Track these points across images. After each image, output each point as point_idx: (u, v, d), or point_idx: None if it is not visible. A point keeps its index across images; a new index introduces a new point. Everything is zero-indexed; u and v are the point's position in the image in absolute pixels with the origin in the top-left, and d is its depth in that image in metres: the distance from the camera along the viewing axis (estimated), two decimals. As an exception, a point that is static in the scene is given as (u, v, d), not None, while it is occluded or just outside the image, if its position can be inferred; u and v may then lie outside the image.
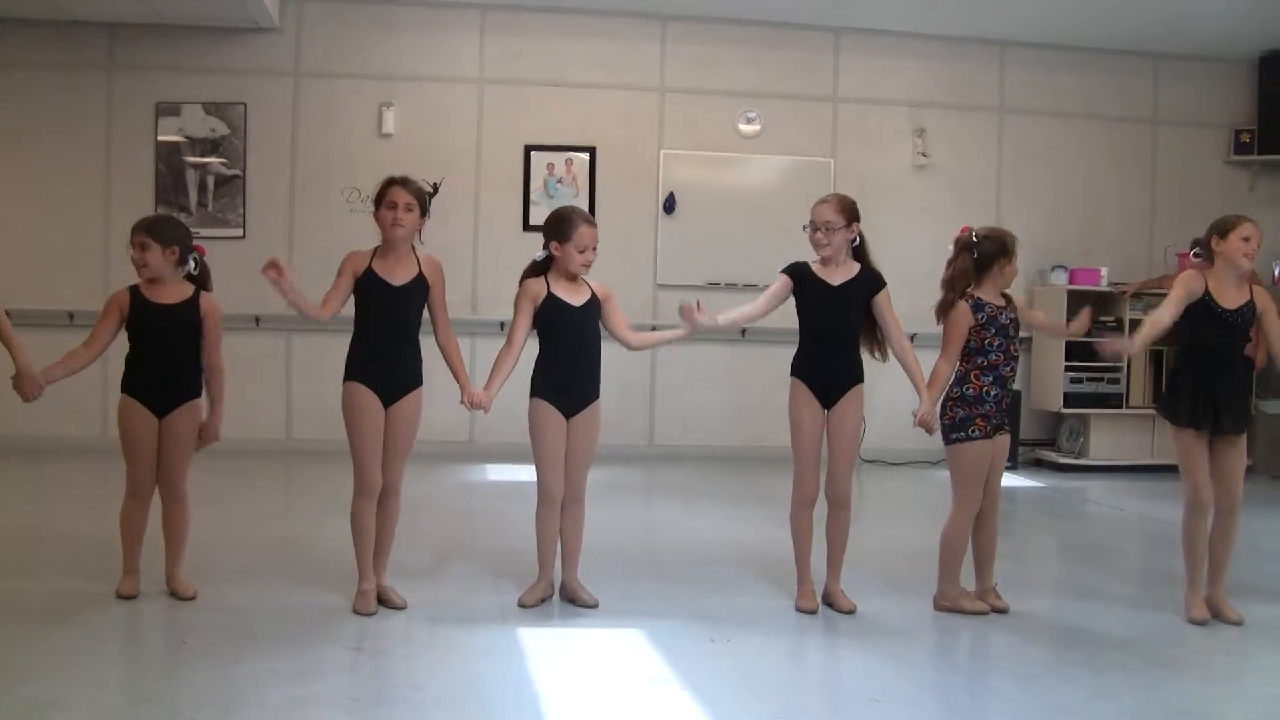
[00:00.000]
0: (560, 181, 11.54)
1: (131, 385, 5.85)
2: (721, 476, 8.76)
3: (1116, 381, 11.52)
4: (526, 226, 11.33)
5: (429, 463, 10.22)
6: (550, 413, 5.92)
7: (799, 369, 6.12)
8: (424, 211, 5.96)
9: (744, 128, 11.85)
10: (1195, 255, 6.47)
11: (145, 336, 5.82)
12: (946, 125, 12.15)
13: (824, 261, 6.07)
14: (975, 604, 6.15)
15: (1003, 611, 6.14)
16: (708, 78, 11.79)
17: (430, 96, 11.47)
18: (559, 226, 5.93)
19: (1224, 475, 6.06)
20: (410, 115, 11.41)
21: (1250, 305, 6.05)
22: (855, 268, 6.09)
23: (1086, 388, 11.50)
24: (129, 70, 11.10)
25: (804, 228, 6.15)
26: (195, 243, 6.11)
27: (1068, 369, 11.48)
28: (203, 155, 11.17)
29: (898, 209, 11.78)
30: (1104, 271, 11.75)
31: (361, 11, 11.33)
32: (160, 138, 11.13)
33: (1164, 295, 6.36)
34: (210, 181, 11.17)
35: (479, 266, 11.30)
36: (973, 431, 6.03)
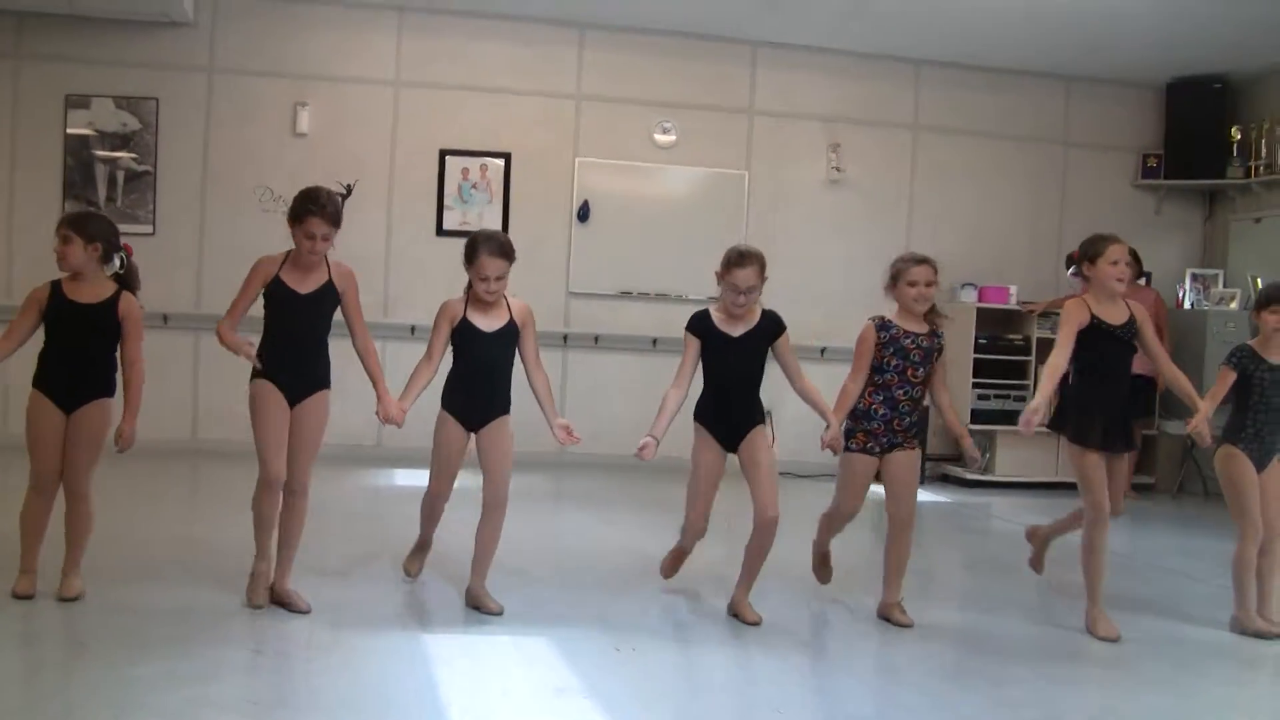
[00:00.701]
0: (475, 187, 11.50)
1: (41, 380, 5.77)
2: (630, 485, 8.78)
3: (1023, 398, 11.65)
4: (440, 231, 11.30)
5: (337, 466, 10.14)
6: (451, 425, 6.10)
7: (701, 414, 6.21)
8: (337, 224, 5.87)
9: (660, 138, 11.86)
10: (1073, 274, 6.63)
11: (59, 333, 5.73)
12: (861, 141, 12.24)
13: (726, 316, 6.10)
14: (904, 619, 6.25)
15: (906, 626, 6.17)
16: (624, 87, 11.80)
17: (345, 97, 11.39)
18: (467, 251, 6.04)
19: (1115, 486, 6.28)
20: (325, 115, 11.31)
21: (1132, 320, 6.25)
22: (756, 316, 6.13)
23: (993, 404, 11.63)
24: (38, 60, 10.91)
25: (716, 276, 6.10)
26: (124, 242, 6.00)
27: (975, 385, 11.60)
28: (113, 150, 11.01)
29: (811, 223, 11.86)
30: (1013, 290, 11.89)
31: (278, 9, 11.22)
32: (69, 130, 10.95)
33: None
34: (120, 176, 11.01)
35: (391, 269, 11.23)
36: (852, 444, 6.20)
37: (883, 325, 6.21)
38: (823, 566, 6.75)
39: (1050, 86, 12.60)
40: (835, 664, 5.78)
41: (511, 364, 6.15)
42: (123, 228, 10.52)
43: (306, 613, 5.78)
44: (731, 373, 6.12)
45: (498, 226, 11.40)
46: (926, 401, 6.34)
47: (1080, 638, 6.16)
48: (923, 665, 5.63)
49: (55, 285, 5.79)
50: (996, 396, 11.62)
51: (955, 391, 11.64)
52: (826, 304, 11.40)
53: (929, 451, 11.70)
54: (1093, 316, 6.16)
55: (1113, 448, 6.23)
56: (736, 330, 6.07)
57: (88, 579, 5.90)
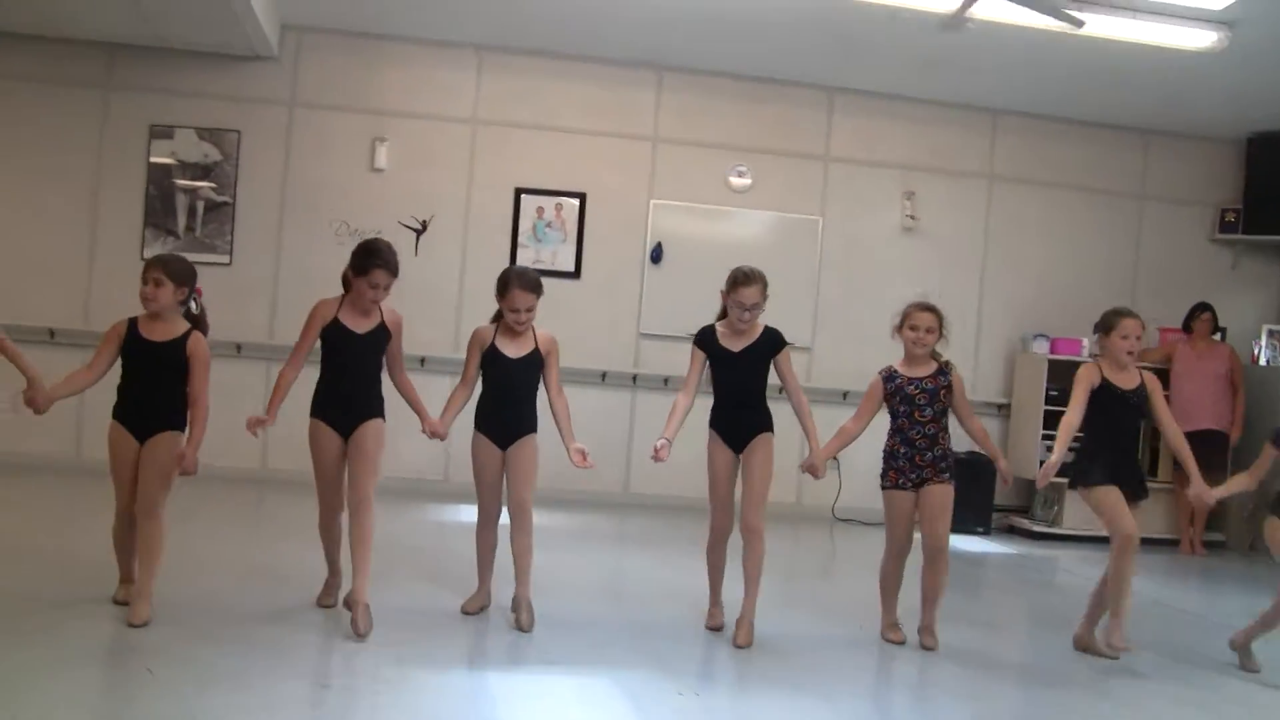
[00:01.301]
0: (549, 225, 11.56)
1: (119, 411, 6.10)
2: (693, 527, 8.72)
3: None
4: (513, 268, 11.37)
5: (402, 500, 10.22)
6: (484, 444, 6.58)
7: (714, 422, 6.72)
8: (396, 274, 6.38)
9: (734, 181, 11.88)
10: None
11: (133, 368, 6.08)
12: (936, 189, 12.21)
13: (731, 331, 6.68)
14: (895, 634, 6.89)
15: (929, 649, 6.70)
16: (700, 130, 11.84)
17: (423, 133, 11.49)
18: (499, 285, 6.60)
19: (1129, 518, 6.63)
20: (402, 151, 11.42)
21: (1142, 387, 6.77)
22: (759, 330, 6.67)
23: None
24: (125, 91, 11.09)
25: (722, 295, 6.74)
26: (198, 285, 6.35)
27: (1044, 438, 11.49)
28: (194, 179, 11.16)
29: (884, 271, 11.84)
30: (1085, 342, 11.79)
31: (359, 45, 11.36)
32: (152, 159, 11.11)
33: (1144, 367, 7.18)
34: (200, 206, 11.16)
35: (464, 306, 11.28)
36: (885, 481, 6.82)
37: (889, 376, 6.89)
38: (892, 630, 6.97)
39: (1128, 139, 12.53)
40: (891, 716, 5.74)
41: (536, 388, 6.65)
42: (200, 257, 10.81)
43: (362, 637, 5.96)
44: (735, 383, 6.63)
45: (571, 266, 11.48)
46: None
47: (1145, 697, 6.09)
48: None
49: (131, 322, 6.13)
50: (1068, 449, 11.49)
51: (1025, 442, 11.65)
52: (898, 351, 11.36)
53: (996, 503, 11.65)
54: (1104, 379, 6.69)
55: (1122, 484, 6.64)
56: (738, 345, 6.61)
57: (157, 607, 5.99)
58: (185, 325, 6.19)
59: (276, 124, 11.30)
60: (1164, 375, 11.60)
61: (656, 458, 6.41)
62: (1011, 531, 11.78)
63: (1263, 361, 12.17)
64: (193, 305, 6.28)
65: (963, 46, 10.24)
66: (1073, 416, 6.67)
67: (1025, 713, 5.90)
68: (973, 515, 11.44)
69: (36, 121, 11.00)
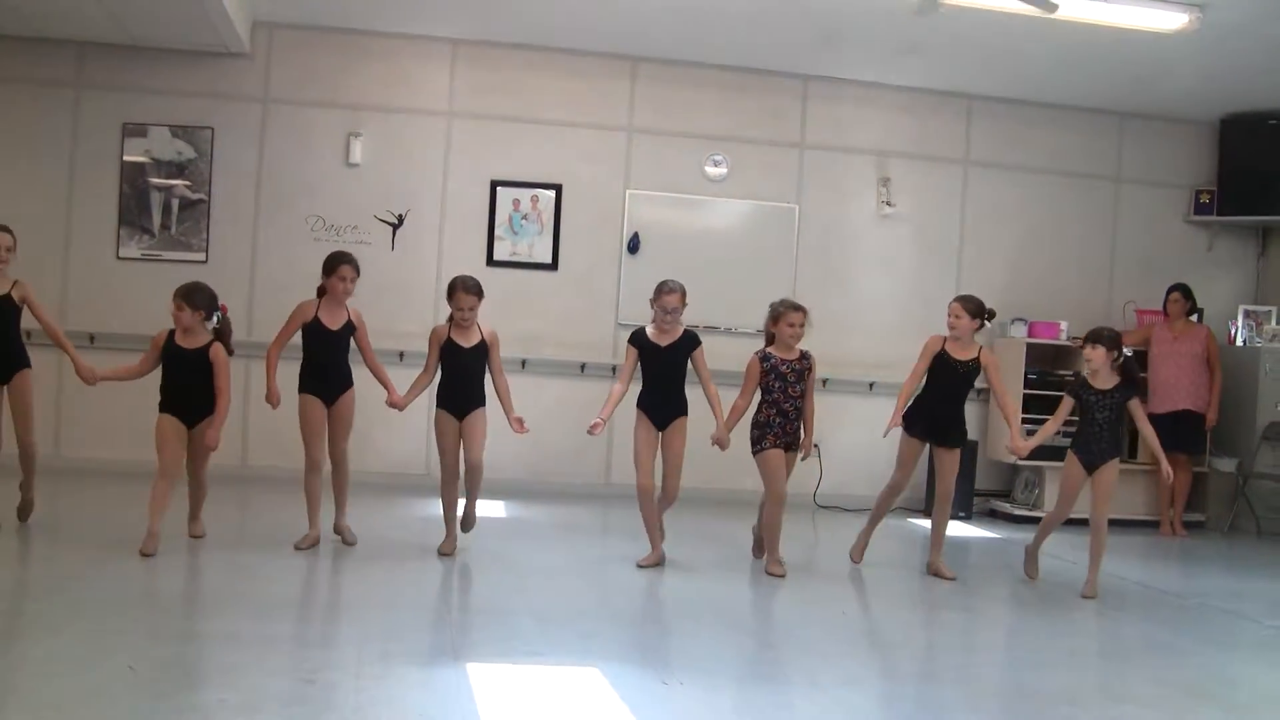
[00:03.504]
0: (525, 218, 11.55)
1: (165, 405, 7.78)
2: (675, 518, 8.76)
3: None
4: (490, 261, 11.34)
5: (385, 494, 10.19)
6: (445, 417, 8.17)
7: (641, 404, 8.25)
8: (358, 271, 8.20)
9: (710, 170, 11.89)
10: (989, 318, 8.61)
11: (170, 370, 7.80)
12: (912, 176, 12.23)
13: (659, 331, 8.18)
14: (778, 570, 8.15)
15: (781, 576, 8.04)
16: (676, 120, 11.84)
17: (398, 127, 11.47)
18: (448, 290, 8.15)
19: (943, 473, 8.51)
20: (378, 145, 11.40)
21: (976, 361, 8.42)
22: (680, 331, 8.24)
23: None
24: (97, 89, 11.05)
25: (650, 302, 8.20)
26: (221, 303, 7.98)
27: (1025, 421, 11.50)
28: (168, 177, 11.12)
29: (861, 257, 11.88)
30: (1063, 326, 11.83)
31: (332, 40, 11.32)
32: (126, 158, 11.08)
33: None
34: (175, 204, 11.12)
35: (440, 299, 11.20)
36: (764, 444, 8.14)
37: (765, 358, 8.23)
38: (776, 565, 8.25)
39: (1102, 122, 12.57)
40: (880, 705, 5.75)
41: (484, 372, 8.18)
42: (176, 255, 10.83)
43: (353, 545, 8.25)
44: (660, 374, 8.21)
45: (548, 258, 11.48)
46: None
47: (1126, 676, 6.12)
48: (973, 706, 5.59)
49: (170, 333, 7.78)
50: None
51: (1004, 426, 11.62)
52: (875, 338, 11.41)
53: (977, 487, 11.69)
54: (943, 350, 8.42)
55: (936, 440, 8.51)
56: (664, 342, 8.18)
57: (136, 607, 6.14)
58: (209, 337, 7.81)
59: (250, 120, 11.27)
60: (1141, 357, 11.66)
61: (592, 433, 8.14)
62: (993, 515, 11.81)
63: (1239, 342, 12.22)
64: (216, 320, 7.88)
65: (937, 33, 10.26)
66: (914, 378, 8.49)
67: (1010, 695, 5.91)
68: (955, 500, 11.44)
69: (8, 121, 10.97)
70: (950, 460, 8.51)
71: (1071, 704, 5.62)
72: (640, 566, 8.15)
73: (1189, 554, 10.49)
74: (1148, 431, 8.43)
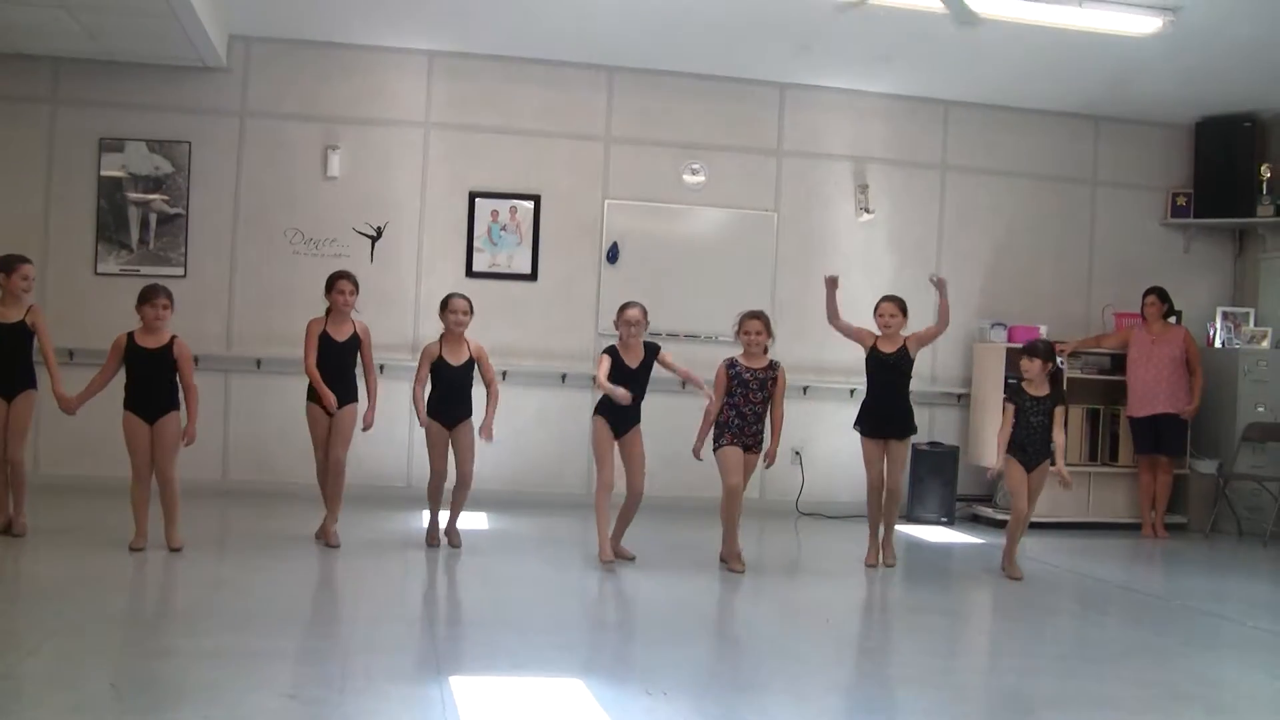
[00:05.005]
0: (504, 229, 11.54)
1: (130, 404, 8.19)
2: (655, 528, 8.78)
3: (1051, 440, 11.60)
4: (470, 273, 11.32)
5: (368, 506, 10.17)
6: (436, 426, 8.73)
7: (602, 410, 8.52)
8: (357, 286, 8.89)
9: (688, 179, 11.89)
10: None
11: (136, 370, 8.19)
12: (890, 181, 12.25)
13: (624, 348, 8.54)
14: (737, 566, 8.52)
15: (739, 573, 8.38)
16: (653, 129, 11.84)
17: (376, 140, 11.46)
18: (441, 304, 8.85)
19: (891, 468, 9.02)
20: (355, 158, 11.38)
21: (903, 349, 9.02)
22: (642, 350, 8.56)
23: (1023, 445, 11.57)
24: (73, 104, 11.02)
25: (614, 324, 8.67)
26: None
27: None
28: (145, 192, 11.09)
29: (840, 263, 11.85)
30: (1042, 330, 11.85)
31: (309, 53, 11.31)
32: (103, 173, 11.04)
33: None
34: (152, 219, 11.09)
35: (420, 310, 11.25)
36: (721, 440, 8.54)
37: (731, 364, 8.64)
38: (736, 560, 8.62)
39: (1078, 126, 12.61)
40: (864, 711, 5.75)
41: (472, 384, 8.83)
42: (154, 270, 10.82)
43: (337, 547, 8.60)
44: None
45: (528, 268, 11.46)
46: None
47: (1108, 679, 6.13)
48: (957, 711, 5.60)
49: (130, 336, 8.21)
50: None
51: (985, 431, 11.70)
52: (856, 344, 11.43)
53: (959, 492, 11.71)
54: (874, 347, 9.09)
55: (882, 433, 9.02)
56: (634, 362, 8.51)
57: (116, 624, 6.10)
58: (169, 334, 8.25)
59: (228, 134, 11.24)
60: (1120, 360, 11.70)
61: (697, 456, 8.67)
62: (975, 520, 11.83)
63: (1218, 344, 12.26)
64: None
65: (911, 39, 10.28)
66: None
67: (993, 701, 5.92)
68: (936, 505, 11.49)
69: (-16, 138, 10.92)
70: (896, 451, 9.04)
71: (1055, 707, 5.64)
72: (604, 563, 8.42)
73: (1171, 556, 10.52)
74: (1060, 440, 8.80)
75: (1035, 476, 8.82)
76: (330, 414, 8.70)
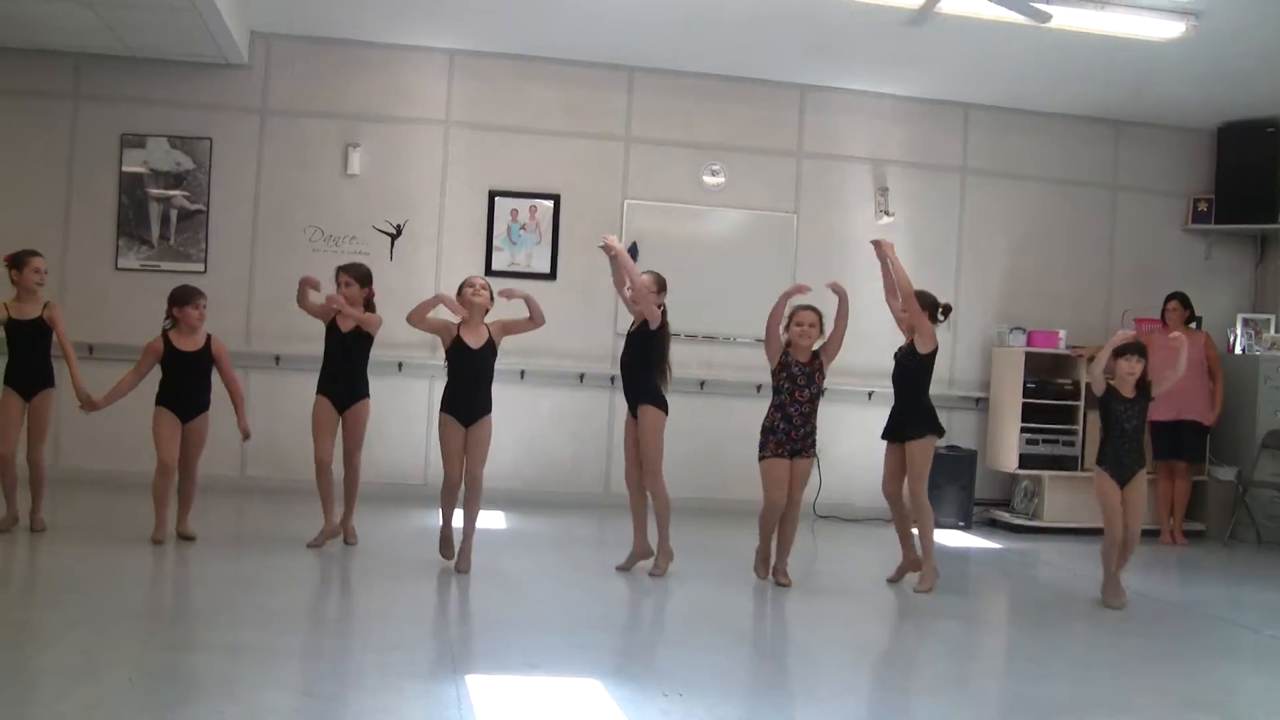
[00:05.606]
0: (524, 228, 11.55)
1: (163, 400, 8.34)
2: (677, 528, 8.75)
3: (1072, 444, 11.59)
4: (489, 271, 11.31)
5: (383, 505, 10.18)
6: (450, 423, 7.99)
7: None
8: (360, 279, 8.67)
9: (708, 180, 11.88)
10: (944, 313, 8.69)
11: (172, 372, 8.35)
12: (909, 184, 12.23)
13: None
14: (763, 572, 8.23)
15: (785, 586, 8.02)
16: (673, 129, 11.83)
17: (396, 138, 11.47)
18: (460, 286, 8.21)
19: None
20: (375, 156, 11.39)
21: (909, 347, 8.46)
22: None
23: (1041, 449, 11.55)
24: (95, 101, 11.05)
25: (627, 291, 8.54)
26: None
27: (1023, 430, 11.53)
28: (166, 188, 11.12)
29: (859, 266, 11.80)
30: (1062, 334, 11.83)
31: (330, 51, 11.33)
32: (124, 169, 11.08)
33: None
34: (173, 215, 11.12)
35: (440, 309, 11.22)
36: (765, 451, 8.06)
37: (785, 353, 8.07)
38: (763, 564, 8.31)
39: (1100, 131, 12.57)
40: (880, 716, 5.74)
41: (492, 376, 8.14)
42: (174, 266, 10.84)
43: (354, 545, 8.64)
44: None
45: (546, 268, 11.46)
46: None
47: (1125, 686, 6.12)
48: (974, 717, 5.59)
49: (165, 338, 8.38)
50: (1045, 441, 11.55)
51: (1003, 434, 11.68)
52: (874, 347, 11.37)
53: (976, 496, 11.67)
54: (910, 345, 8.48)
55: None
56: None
57: (134, 619, 6.14)
58: (205, 336, 8.48)
59: (249, 131, 11.27)
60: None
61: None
62: (992, 525, 11.80)
63: (1238, 350, 12.21)
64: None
65: (932, 42, 10.24)
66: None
67: (1008, 706, 5.91)
68: (953, 509, 11.46)
69: (5, 133, 10.96)
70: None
71: (1070, 714, 5.63)
72: (620, 569, 8.37)
73: (1189, 563, 10.48)
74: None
75: (1132, 491, 8.13)
76: (335, 404, 8.55)
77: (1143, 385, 8.13)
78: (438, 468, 8.18)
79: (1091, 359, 11.61)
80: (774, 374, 8.12)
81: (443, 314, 8.04)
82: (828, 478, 11.50)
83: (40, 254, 8.58)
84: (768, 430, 8.06)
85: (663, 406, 8.30)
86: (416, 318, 7.97)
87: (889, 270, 8.60)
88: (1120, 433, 8.07)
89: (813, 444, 8.16)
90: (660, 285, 8.52)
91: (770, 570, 8.21)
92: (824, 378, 8.16)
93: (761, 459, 8.07)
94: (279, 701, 5.04)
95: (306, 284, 8.45)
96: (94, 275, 10.97)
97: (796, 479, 8.09)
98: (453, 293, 8.17)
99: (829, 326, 8.14)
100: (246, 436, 8.51)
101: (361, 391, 8.63)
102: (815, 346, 8.11)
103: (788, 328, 8.06)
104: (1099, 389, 8.21)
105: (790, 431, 8.00)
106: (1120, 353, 8.15)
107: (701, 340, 11.48)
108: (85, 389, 8.37)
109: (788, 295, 8.13)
